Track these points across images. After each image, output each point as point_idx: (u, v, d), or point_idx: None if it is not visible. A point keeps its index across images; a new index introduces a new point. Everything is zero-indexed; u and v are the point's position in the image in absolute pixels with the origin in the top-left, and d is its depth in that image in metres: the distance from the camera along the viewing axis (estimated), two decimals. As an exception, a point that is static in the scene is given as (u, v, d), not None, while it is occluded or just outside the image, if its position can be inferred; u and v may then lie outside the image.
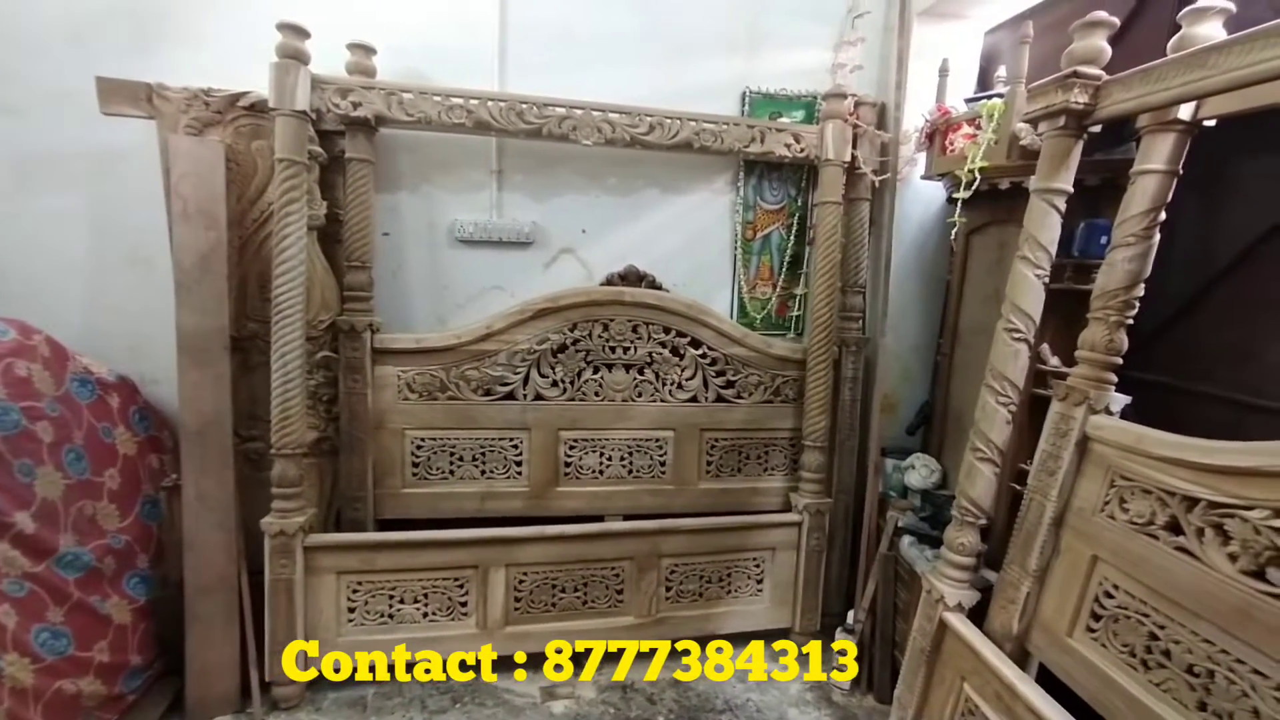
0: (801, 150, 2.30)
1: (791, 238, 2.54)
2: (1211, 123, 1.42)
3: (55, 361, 1.86)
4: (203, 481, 1.93)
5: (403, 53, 2.14)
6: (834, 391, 2.43)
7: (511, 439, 2.27)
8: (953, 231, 1.99)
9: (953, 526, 1.73)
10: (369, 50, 2.05)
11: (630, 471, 2.38)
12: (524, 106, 2.07)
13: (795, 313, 2.58)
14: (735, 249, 2.51)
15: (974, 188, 1.92)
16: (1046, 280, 1.58)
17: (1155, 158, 1.42)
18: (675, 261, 2.47)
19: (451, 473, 2.25)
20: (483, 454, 2.26)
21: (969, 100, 2.10)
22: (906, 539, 2.13)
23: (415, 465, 2.22)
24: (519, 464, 2.29)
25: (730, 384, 2.41)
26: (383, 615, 2.07)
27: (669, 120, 2.17)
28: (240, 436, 2.05)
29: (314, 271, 2.04)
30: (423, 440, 2.22)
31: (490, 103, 2.05)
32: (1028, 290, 1.59)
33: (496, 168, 2.30)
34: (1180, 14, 1.37)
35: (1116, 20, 1.45)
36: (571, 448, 2.32)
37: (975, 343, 2.24)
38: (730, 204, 2.49)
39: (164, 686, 1.96)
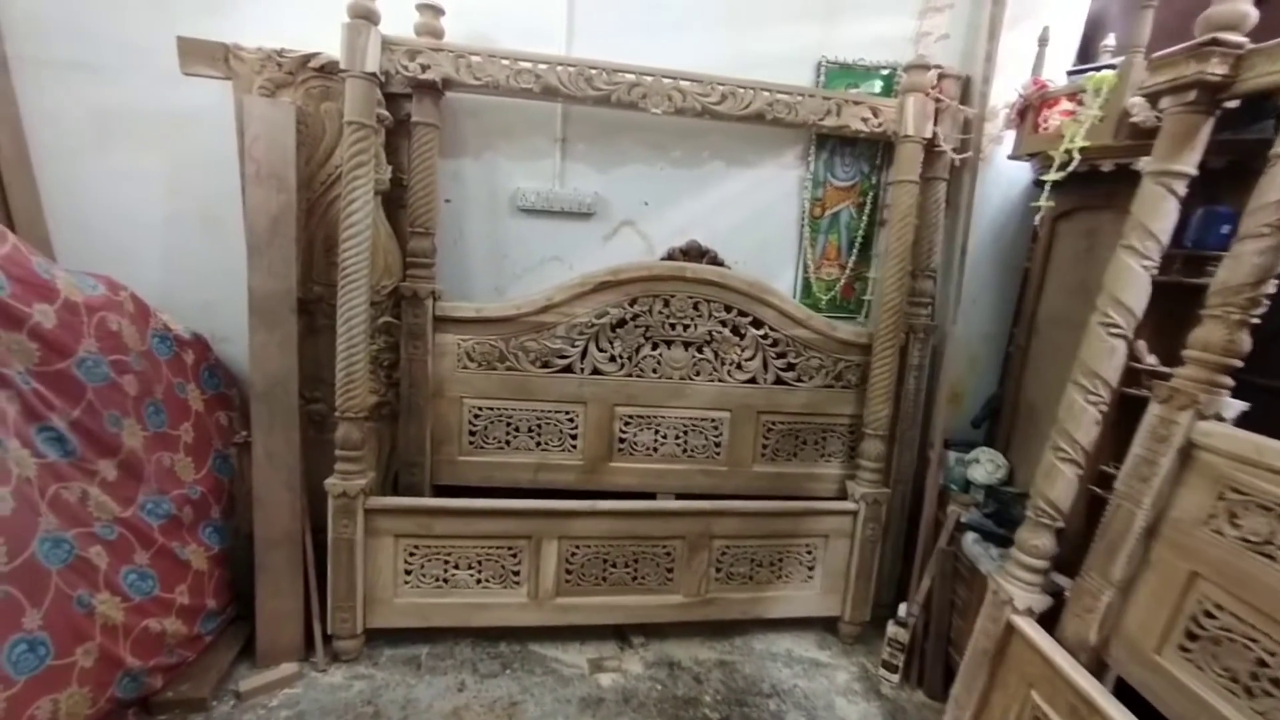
0: (879, 125, 2.17)
1: (863, 217, 2.42)
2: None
3: (139, 317, 1.92)
4: (270, 440, 1.99)
5: (468, 15, 2.08)
6: (898, 379, 2.34)
7: (567, 412, 2.27)
8: (1038, 216, 1.85)
9: (1026, 527, 1.66)
10: (438, 11, 2.00)
11: (685, 451, 2.35)
12: (593, 72, 2.00)
13: (865, 296, 2.48)
14: (802, 227, 2.42)
15: (1070, 169, 1.78)
16: (1155, 272, 1.46)
17: (1302, 138, 1.28)
18: (738, 237, 2.39)
19: (507, 443, 2.26)
20: (538, 426, 2.26)
21: (1071, 73, 1.94)
22: (970, 535, 2.05)
23: (472, 434, 2.24)
24: (574, 437, 2.29)
25: (790, 366, 2.35)
26: (438, 579, 2.12)
27: (741, 90, 2.07)
28: (304, 398, 2.10)
29: (378, 236, 2.05)
30: (480, 409, 2.23)
31: (559, 68, 1.99)
32: (1131, 282, 1.48)
33: (561, 136, 2.25)
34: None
35: (1266, -18, 1.30)
36: (626, 424, 2.30)
37: (1055, 335, 2.12)
38: (799, 179, 2.39)
39: (236, 630, 2.06)
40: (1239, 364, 1.35)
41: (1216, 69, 1.30)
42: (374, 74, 1.87)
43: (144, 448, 1.83)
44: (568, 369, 2.24)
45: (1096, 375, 1.53)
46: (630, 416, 2.30)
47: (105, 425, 1.72)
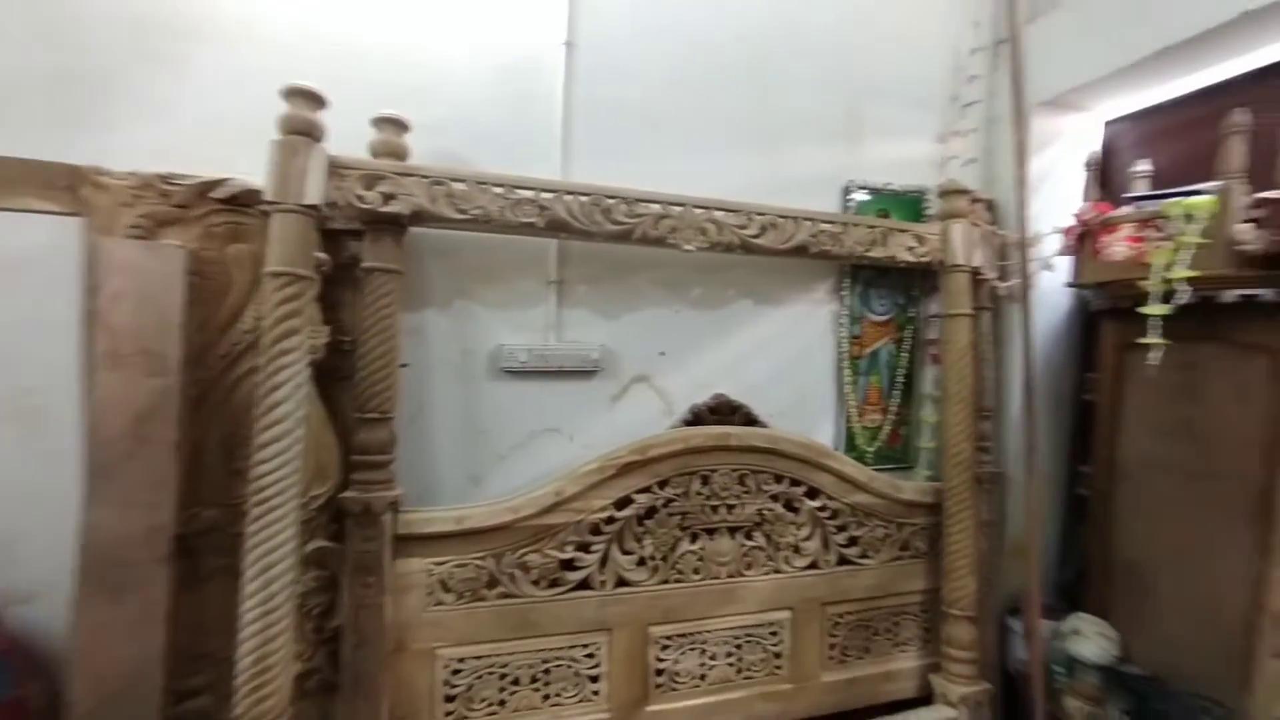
0: (925, 254, 1.92)
1: (903, 354, 2.11)
2: None
3: None
4: (114, 793, 1.17)
5: (437, 131, 1.61)
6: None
7: (585, 645, 1.63)
8: (1154, 355, 1.60)
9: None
10: (400, 126, 1.52)
11: (739, 671, 1.77)
12: (610, 202, 1.58)
13: (920, 443, 2.11)
14: (840, 369, 2.05)
15: (1174, 301, 1.58)
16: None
17: None
18: (770, 388, 1.97)
19: (502, 704, 1.56)
20: (545, 672, 1.59)
21: (1132, 199, 1.80)
22: (1132, 759, 1.61)
23: (450, 700, 1.52)
24: (594, 680, 1.63)
25: (853, 541, 1.89)
26: None
27: (783, 220, 1.74)
28: (173, 694, 1.31)
29: (309, 428, 1.40)
30: (462, 662, 1.53)
31: (567, 196, 1.54)
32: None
33: (557, 277, 1.77)
34: None
35: None
36: (665, 648, 1.69)
37: (1152, 481, 1.85)
38: (833, 316, 2.05)
39: None
40: None
41: None
42: (315, 206, 1.31)
43: None
44: (584, 584, 1.62)
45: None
46: (669, 637, 1.70)
47: None
